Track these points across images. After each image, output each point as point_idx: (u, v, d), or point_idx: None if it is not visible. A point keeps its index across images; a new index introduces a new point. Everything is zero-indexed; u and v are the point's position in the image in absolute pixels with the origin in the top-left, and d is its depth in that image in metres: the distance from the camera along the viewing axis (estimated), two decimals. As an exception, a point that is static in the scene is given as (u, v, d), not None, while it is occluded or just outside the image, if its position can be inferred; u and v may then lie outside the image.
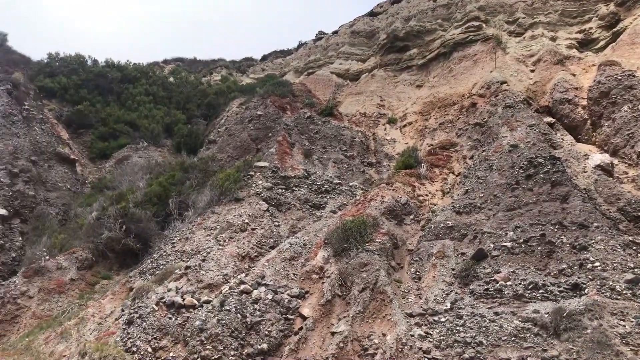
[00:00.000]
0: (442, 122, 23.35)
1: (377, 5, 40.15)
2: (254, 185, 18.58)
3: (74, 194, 24.76)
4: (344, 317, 11.73)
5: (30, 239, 21.09)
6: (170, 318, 12.64)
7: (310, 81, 33.35)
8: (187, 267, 14.56)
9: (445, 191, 17.75)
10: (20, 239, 21.18)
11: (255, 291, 12.80)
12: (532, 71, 24.84)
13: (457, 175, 18.62)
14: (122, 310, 14.34)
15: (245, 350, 11.52)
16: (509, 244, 12.68)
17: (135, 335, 12.64)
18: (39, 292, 17.38)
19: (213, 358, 11.38)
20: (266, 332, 11.89)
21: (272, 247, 15.76)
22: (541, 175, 14.55)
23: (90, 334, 14.30)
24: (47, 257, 18.75)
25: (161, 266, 15.85)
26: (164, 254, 16.53)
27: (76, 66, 33.40)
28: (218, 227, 16.54)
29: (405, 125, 25.86)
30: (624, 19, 24.87)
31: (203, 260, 14.84)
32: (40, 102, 28.78)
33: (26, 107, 26.39)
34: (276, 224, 17.08)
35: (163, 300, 13.15)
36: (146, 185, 20.94)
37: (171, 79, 38.68)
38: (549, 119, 20.58)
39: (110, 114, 30.40)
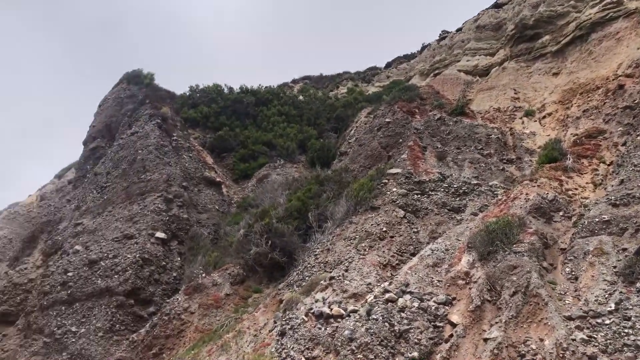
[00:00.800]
0: (585, 109, 21.62)
1: (502, -6, 38.35)
2: (388, 192, 18.55)
3: (222, 214, 26.54)
4: (496, 322, 11.23)
5: (188, 258, 22.93)
6: (319, 328, 12.97)
7: (437, 82, 32.68)
8: (331, 278, 14.87)
9: (597, 183, 16.37)
10: (178, 259, 23.12)
11: (400, 299, 12.72)
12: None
13: (609, 165, 17.10)
14: (275, 322, 15.00)
15: (397, 359, 11.47)
16: (679, 236, 11.36)
17: (288, 346, 13.13)
18: (199, 307, 18.78)
19: (364, 367, 11.47)
20: (415, 340, 11.75)
21: (413, 254, 15.59)
22: None
23: (248, 345, 15.12)
24: (203, 275, 20.24)
25: (306, 278, 16.36)
26: (308, 265, 17.04)
27: (214, 95, 35.88)
28: (357, 236, 16.72)
29: (544, 117, 24.32)
30: None
31: (346, 270, 15.06)
32: (186, 131, 31.32)
33: (175, 138, 28.85)
34: (415, 230, 16.89)
35: (312, 311, 13.54)
36: (286, 201, 21.81)
37: (300, 97, 40.08)
38: None
39: (248, 137, 32.22)
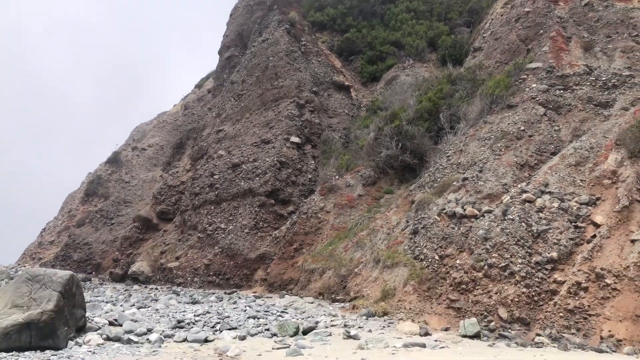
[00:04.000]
0: None
1: None
2: (527, 89, 17.45)
3: (351, 118, 26.86)
4: (646, 224, 10.54)
5: (321, 161, 23.81)
6: (453, 228, 13.07)
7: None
8: (465, 179, 14.71)
9: None
10: (312, 162, 24.09)
11: (538, 199, 12.33)
12: None
13: None
14: (407, 222, 15.36)
15: (534, 259, 11.33)
16: None
17: (421, 244, 13.47)
18: (333, 207, 19.71)
19: (500, 265, 11.49)
20: (554, 241, 11.46)
21: (554, 154, 14.80)
22: None
23: (381, 243, 15.74)
24: (336, 177, 21.00)
25: (438, 179, 16.33)
26: (440, 167, 16.93)
27: (340, -5, 35.08)
28: (492, 137, 16.15)
29: None
30: None
31: (480, 171, 14.78)
32: (314, 35, 31.34)
33: (303, 43, 29.04)
34: (556, 128, 15.90)
35: (444, 211, 13.62)
36: (416, 102, 21.43)
37: (429, -10, 37.85)
38: None
39: (375, 37, 31.48)
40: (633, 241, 10.37)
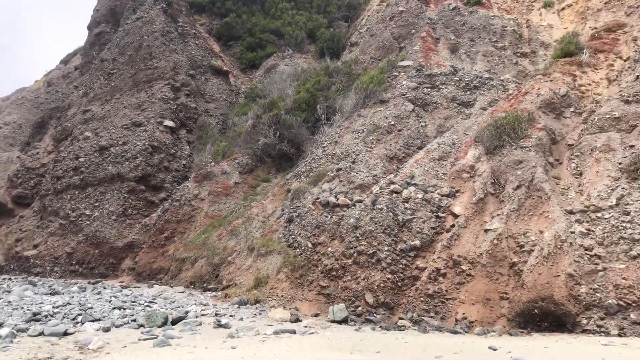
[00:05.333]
0: (607, 0, 20.66)
1: None
2: (398, 85, 18.32)
3: (229, 104, 26.46)
4: (498, 214, 11.56)
5: (196, 147, 23.22)
6: (326, 216, 13.41)
7: (454, -31, 30.97)
8: (339, 169, 15.13)
9: (611, 79, 16.03)
10: (187, 147, 23.41)
11: (405, 190, 13.01)
12: None
13: (625, 61, 16.64)
14: (282, 210, 15.50)
15: (399, 246, 11.96)
16: (689, 134, 11.33)
17: (296, 232, 13.67)
18: (208, 194, 19.33)
19: (368, 253, 11.99)
20: (418, 229, 12.17)
21: (420, 148, 15.70)
22: None
23: (256, 231, 15.74)
24: (212, 164, 20.60)
25: (314, 169, 16.64)
26: (316, 157, 17.26)
27: (222, -22, 34.31)
28: (365, 130, 16.76)
29: (563, 8, 23.28)
30: None
31: (353, 163, 15.28)
32: (192, 17, 30.38)
33: (180, 24, 28.05)
34: (423, 124, 16.87)
35: (319, 200, 13.93)
36: (294, 93, 21.63)
37: (310, -18, 38.25)
38: None
39: (255, 24, 31.23)
40: (486, 230, 11.31)
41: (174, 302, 13.80)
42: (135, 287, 17.14)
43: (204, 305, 12.95)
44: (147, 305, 13.05)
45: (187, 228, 18.79)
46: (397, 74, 18.95)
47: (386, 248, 11.94)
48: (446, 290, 10.91)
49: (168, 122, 23.16)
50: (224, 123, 24.82)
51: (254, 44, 30.23)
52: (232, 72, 28.79)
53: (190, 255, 17.01)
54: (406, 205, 12.67)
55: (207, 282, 15.82)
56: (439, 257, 11.40)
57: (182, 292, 15.30)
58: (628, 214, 10.24)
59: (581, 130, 13.60)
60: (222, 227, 17.41)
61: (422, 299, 11.05)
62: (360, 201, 13.33)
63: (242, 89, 27.83)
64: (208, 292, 15.06)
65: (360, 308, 11.36)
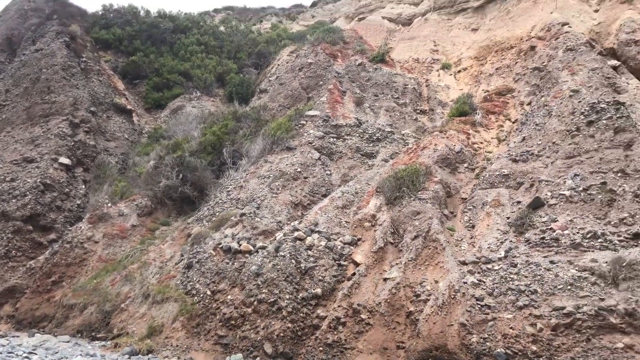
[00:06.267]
0: (498, 67, 22.49)
1: (431, -56, 38.35)
2: (305, 134, 18.65)
3: (131, 144, 25.55)
4: (396, 264, 11.85)
5: (93, 187, 22.04)
6: (227, 263, 13.11)
7: (362, 27, 32.58)
8: (242, 214, 14.94)
9: (501, 139, 17.29)
10: (83, 187, 22.16)
11: (308, 238, 13.05)
12: (596, 11, 23.38)
13: (513, 122, 18.06)
14: (182, 255, 14.98)
15: (300, 295, 11.87)
16: (567, 192, 12.34)
17: (194, 279, 13.21)
18: (103, 237, 18.29)
19: (269, 301, 11.79)
20: (320, 277, 12.18)
21: (324, 196, 15.93)
22: (604, 121, 13.93)
23: (153, 277, 15.04)
24: (109, 205, 19.62)
25: (217, 213, 16.33)
26: (220, 201, 16.98)
27: (130, 17, 33.70)
28: (271, 175, 16.79)
29: (459, 71, 25.06)
30: (702, -50, 22.90)
31: (257, 208, 15.18)
32: (97, 53, 29.42)
33: (84, 59, 27.05)
34: (328, 172, 17.19)
35: (220, 246, 13.62)
36: (200, 135, 21.34)
37: (222, 28, 38.56)
38: (614, 62, 19.49)
39: (163, 65, 30.77)
40: (385, 279, 11.54)
41: (56, 352, 12.71)
42: (13, 337, 15.64)
43: (91, 355, 12.05)
44: (26, 357, 11.93)
45: (77, 272, 17.58)
46: (304, 122, 19.31)
47: (287, 296, 11.82)
48: (345, 340, 10.91)
49: (63, 160, 21.90)
50: (124, 163, 23.88)
51: (161, 84, 29.68)
52: (136, 111, 27.98)
53: (79, 301, 15.87)
54: (309, 252, 12.69)
55: (96, 330, 14.77)
56: (339, 306, 11.43)
57: (68, 342, 14.16)
58: (515, 266, 10.86)
59: (474, 185, 14.45)
60: (116, 271, 16.47)
61: (321, 348, 10.96)
62: (263, 248, 13.19)
63: (145, 129, 27.04)
64: (97, 342, 14.04)
65: (258, 359, 11.06)
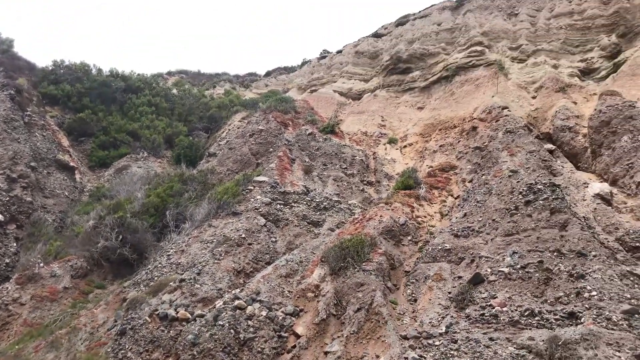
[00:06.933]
0: (442, 144, 23.40)
1: (382, 27, 40.46)
2: (252, 199, 18.57)
3: (71, 202, 24.71)
4: (338, 337, 11.63)
5: (26, 245, 20.98)
6: (163, 331, 12.53)
7: (313, 98, 33.48)
8: (182, 280, 14.47)
9: (443, 213, 17.73)
10: (15, 244, 21.07)
11: (249, 307, 12.70)
12: (534, 98, 24.95)
13: (456, 198, 18.62)
14: (115, 321, 14.23)
15: (237, 367, 11.41)
16: (506, 270, 12.63)
17: (126, 347, 12.52)
18: (31, 299, 17.23)
19: (204, 373, 11.26)
20: (259, 349, 11.79)
21: (268, 263, 15.69)
22: (540, 202, 14.54)
23: (82, 343, 14.17)
24: (41, 265, 18.64)
25: (156, 278, 15.76)
26: (159, 265, 16.44)
27: (80, 74, 33.52)
28: (214, 240, 16.48)
29: (405, 146, 25.90)
30: (625, 50, 25.10)
31: (198, 274, 14.75)
32: (43, 108, 28.89)
33: (28, 113, 26.46)
34: (273, 239, 17.03)
35: (156, 313, 13.05)
36: (144, 196, 20.89)
37: (174, 91, 38.81)
38: (549, 146, 20.65)
39: (112, 123, 30.45)
40: (326, 353, 11.27)
41: None
42: None
43: None
44: None
45: (-2, 337, 16.39)
46: (252, 188, 19.27)
47: (224, 368, 11.33)
48: (282, 416, 10.46)
49: (-4, 215, 20.89)
50: (62, 221, 22.96)
51: (108, 143, 29.23)
52: (79, 168, 27.29)
53: (-3, 369, 14.70)
54: (249, 322, 12.31)
55: (13, 402, 13.65)
56: (277, 380, 11.03)
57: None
58: (455, 342, 10.86)
59: (417, 259, 14.61)
60: (41, 337, 15.42)
61: None
62: (202, 316, 12.71)
63: (87, 187, 26.30)
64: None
65: None
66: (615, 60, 25.10)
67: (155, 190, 21.13)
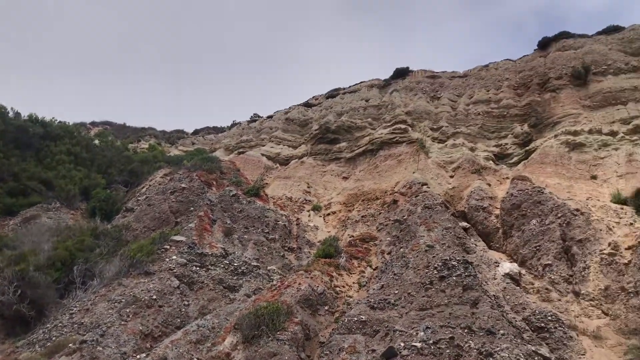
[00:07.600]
0: (364, 214, 23.82)
1: (313, 97, 41.72)
2: (167, 259, 17.89)
3: (-32, 250, 22.84)
4: (246, 409, 11.11)
5: None
6: (54, 398, 11.50)
7: (240, 160, 33.46)
8: (83, 342, 13.49)
9: (361, 284, 17.78)
10: None
11: (154, 374, 11.96)
12: (452, 177, 26.18)
13: (374, 269, 18.79)
14: (0, 386, 12.96)
15: None
16: (418, 344, 12.67)
17: (10, 416, 11.36)
18: None
19: None
20: (160, 421, 11.02)
21: (179, 328, 14.98)
22: (454, 278, 14.91)
23: (-42, 410, 12.73)
24: None
25: (54, 338, 14.60)
26: (59, 324, 15.29)
27: (-4, 117, 31.89)
28: (123, 300, 15.61)
29: (329, 214, 26.16)
30: (535, 139, 27.12)
31: (102, 336, 13.83)
32: (-51, 148, 27.05)
33: None
34: (186, 303, 16.36)
35: (49, 377, 12.01)
36: (51, 248, 19.65)
37: (96, 141, 37.61)
38: (464, 224, 21.50)
39: (24, 169, 28.83)
40: None
41: None
42: None
43: None
44: None
45: None
46: (168, 247, 18.62)
47: None
48: None
49: None
50: (-47, 271, 21.06)
51: (17, 190, 27.54)
52: (-18, 215, 25.47)
53: None
54: (152, 391, 11.56)
55: None
56: None
57: None
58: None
59: (332, 329, 14.41)
60: None
61: None
62: (100, 382, 11.83)
63: (-11, 236, 24.47)
64: None
65: None
66: (527, 147, 27.03)
67: (64, 242, 19.95)
